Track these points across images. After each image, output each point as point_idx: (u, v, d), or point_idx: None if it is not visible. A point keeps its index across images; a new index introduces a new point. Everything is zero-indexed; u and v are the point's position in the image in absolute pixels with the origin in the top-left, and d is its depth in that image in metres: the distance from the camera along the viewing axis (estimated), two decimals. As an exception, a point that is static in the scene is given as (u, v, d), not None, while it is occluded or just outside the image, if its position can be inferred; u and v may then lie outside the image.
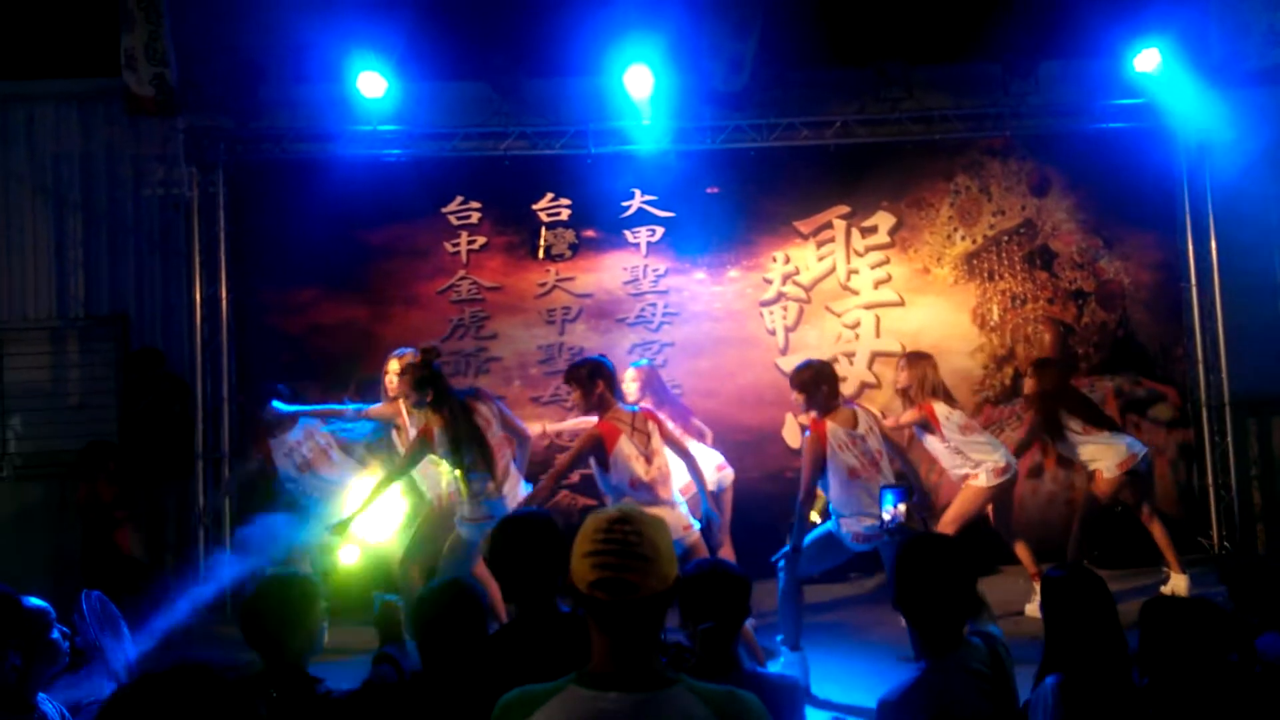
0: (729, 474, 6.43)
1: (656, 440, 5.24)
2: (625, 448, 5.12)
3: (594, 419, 5.34)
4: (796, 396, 5.42)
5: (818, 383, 5.32)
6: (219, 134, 7.61)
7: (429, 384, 5.35)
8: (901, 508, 4.13)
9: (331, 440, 6.56)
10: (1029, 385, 6.83)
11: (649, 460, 5.15)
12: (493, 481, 5.33)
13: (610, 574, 1.76)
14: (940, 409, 6.25)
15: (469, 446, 5.32)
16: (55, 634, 2.85)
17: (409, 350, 6.30)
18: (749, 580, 2.96)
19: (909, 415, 6.33)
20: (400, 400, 6.14)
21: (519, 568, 2.77)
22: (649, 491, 5.11)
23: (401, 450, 6.09)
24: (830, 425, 5.27)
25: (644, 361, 6.82)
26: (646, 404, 6.03)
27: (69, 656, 3.00)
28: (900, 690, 2.46)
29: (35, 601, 2.86)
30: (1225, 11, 7.45)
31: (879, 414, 5.51)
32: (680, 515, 5.23)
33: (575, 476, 7.69)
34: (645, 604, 1.77)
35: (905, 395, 6.42)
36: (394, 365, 6.27)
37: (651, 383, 6.40)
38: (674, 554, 1.85)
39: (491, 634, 2.77)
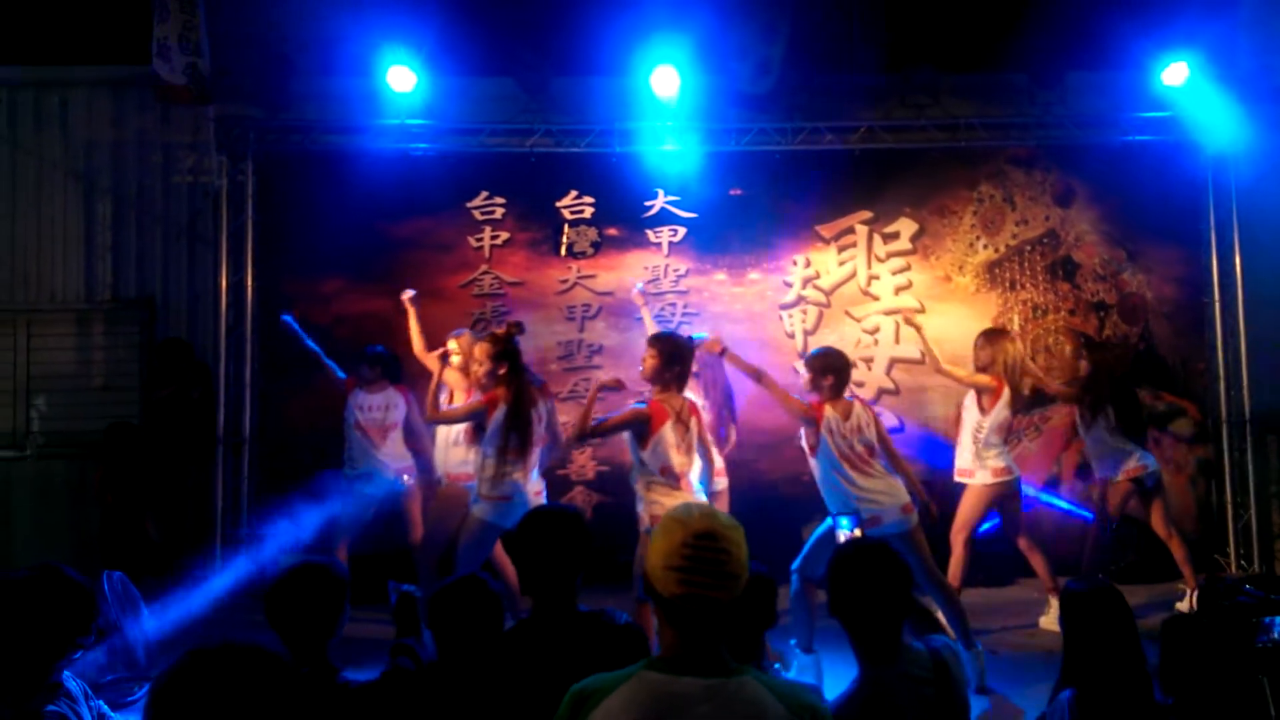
0: (723, 482, 6.39)
1: (694, 434, 5.26)
2: (668, 434, 5.15)
3: (643, 393, 5.35)
4: (806, 379, 5.46)
5: (825, 371, 5.38)
6: (249, 124, 7.70)
7: (506, 359, 5.41)
8: (857, 532, 4.10)
9: (394, 423, 6.68)
10: (1084, 366, 6.76)
11: (685, 452, 5.19)
12: (521, 470, 5.39)
13: (698, 591, 1.82)
14: (1006, 395, 6.22)
15: (516, 431, 5.39)
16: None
17: (465, 331, 6.45)
18: (774, 582, 2.98)
19: (982, 378, 6.27)
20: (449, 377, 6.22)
21: (542, 563, 2.74)
22: (676, 482, 5.15)
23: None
24: (827, 410, 5.32)
25: (702, 335, 6.50)
26: (696, 388, 6.04)
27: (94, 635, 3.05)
28: (839, 700, 2.43)
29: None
30: (1254, 26, 7.42)
31: (876, 416, 5.52)
32: None
33: (591, 473, 7.76)
34: (725, 609, 1.85)
35: (983, 374, 6.36)
36: (452, 345, 6.34)
37: (709, 361, 6.28)
38: (747, 562, 1.90)
39: (509, 630, 2.78)
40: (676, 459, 5.12)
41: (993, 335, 6.46)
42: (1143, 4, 7.28)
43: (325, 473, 6.67)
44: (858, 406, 5.44)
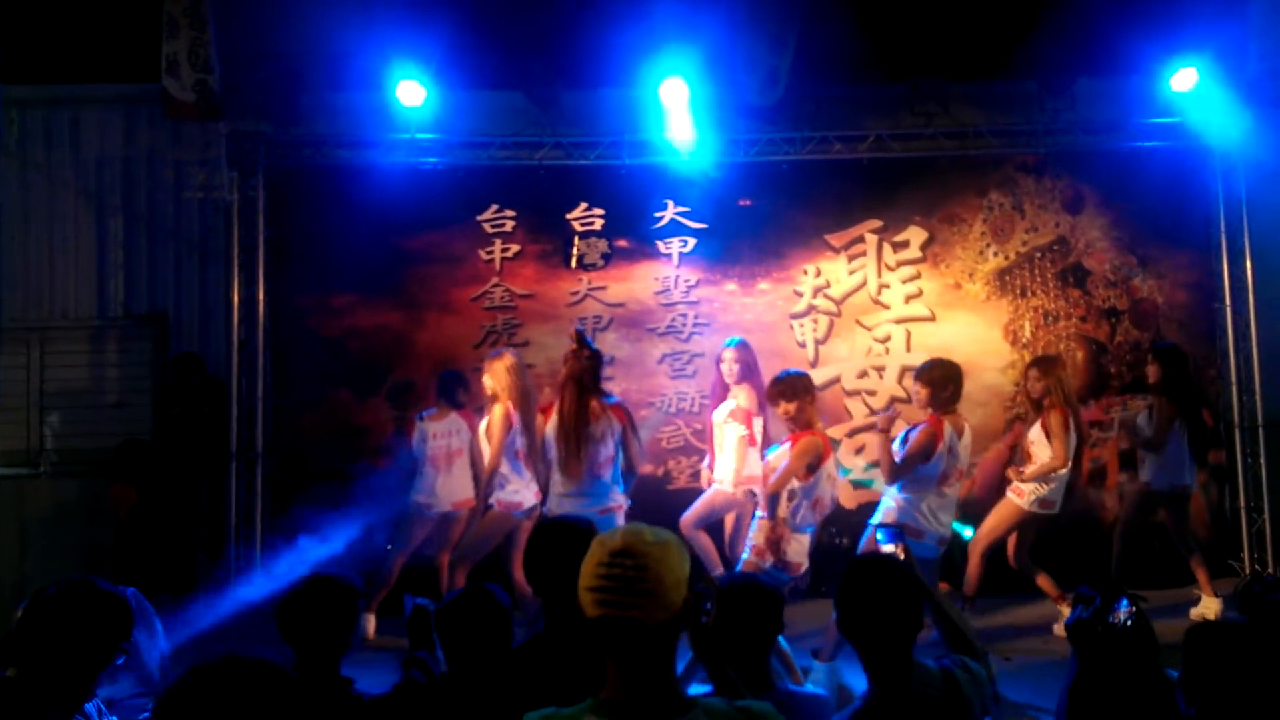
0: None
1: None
2: (829, 466, 5.23)
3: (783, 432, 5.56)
4: (921, 391, 5.50)
5: (945, 383, 5.45)
6: (260, 139, 7.73)
7: (565, 364, 5.45)
8: (891, 548, 4.09)
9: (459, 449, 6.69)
10: (1153, 373, 6.73)
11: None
12: (561, 477, 5.41)
13: (612, 610, 1.74)
14: (1068, 421, 6.18)
15: (565, 443, 5.44)
16: None
17: (507, 351, 6.50)
18: (781, 595, 2.97)
19: (1051, 417, 6.19)
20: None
21: (551, 575, 2.72)
22: (812, 517, 5.25)
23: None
24: (947, 425, 5.37)
25: (736, 340, 6.58)
26: (747, 388, 6.14)
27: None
28: (844, 718, 2.39)
29: None
30: (1263, 30, 7.40)
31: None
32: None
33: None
34: (650, 635, 1.75)
35: (1035, 405, 6.36)
36: (486, 381, 6.40)
37: (749, 360, 6.40)
38: (682, 579, 1.81)
39: (523, 643, 2.77)
40: (828, 492, 5.31)
41: (1046, 364, 6.45)
42: (1151, 10, 7.26)
43: (404, 501, 6.68)
44: (966, 424, 5.51)
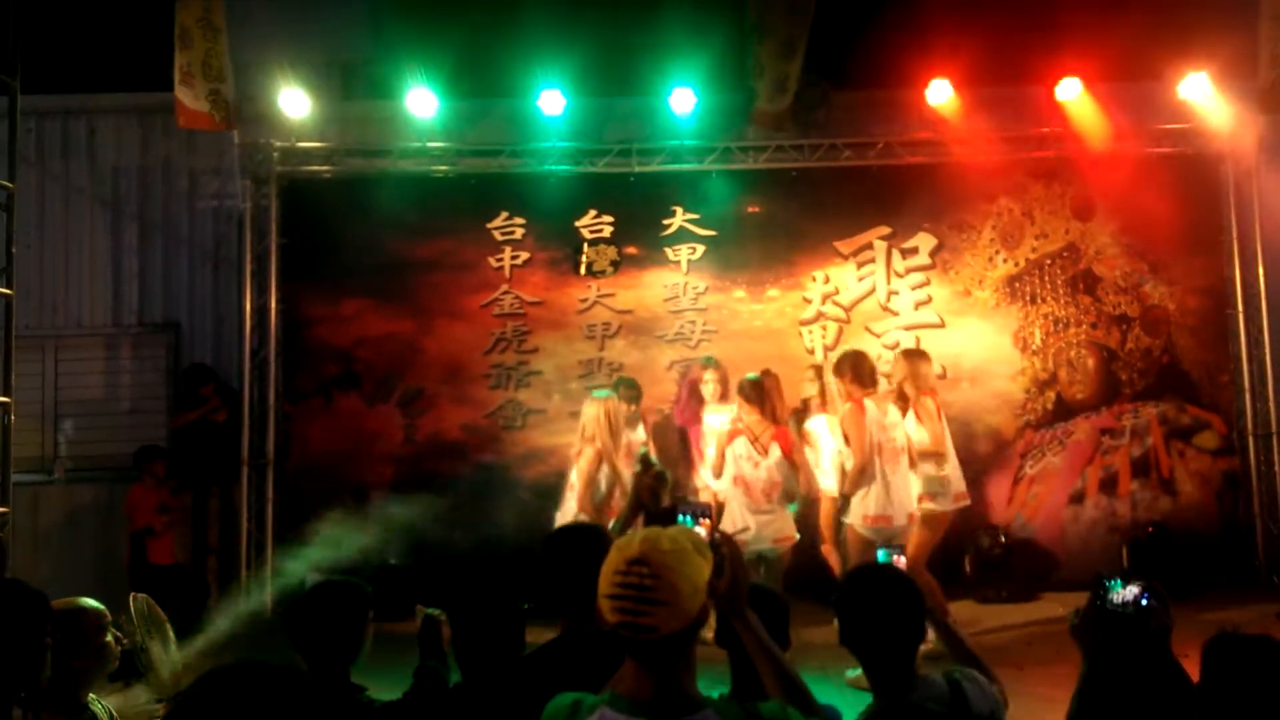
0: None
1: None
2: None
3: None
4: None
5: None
6: (273, 148, 7.78)
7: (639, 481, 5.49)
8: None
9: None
10: None
11: None
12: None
13: (627, 618, 1.77)
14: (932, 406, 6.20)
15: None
16: (109, 636, 2.92)
17: (610, 396, 6.16)
18: (785, 604, 2.97)
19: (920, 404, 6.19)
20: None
21: (565, 582, 2.71)
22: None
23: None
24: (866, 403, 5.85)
25: (712, 360, 7.04)
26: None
27: (120, 659, 3.06)
28: None
29: (91, 603, 2.92)
30: (1273, 37, 7.38)
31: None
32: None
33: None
34: (666, 641, 1.78)
35: (900, 395, 6.26)
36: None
37: (727, 379, 6.74)
38: (700, 589, 1.81)
39: (537, 649, 2.77)
40: None
41: (910, 355, 6.49)
42: (1161, 16, 7.25)
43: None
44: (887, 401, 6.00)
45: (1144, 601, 2.68)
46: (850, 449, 5.83)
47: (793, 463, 5.99)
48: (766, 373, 6.46)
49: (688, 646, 1.82)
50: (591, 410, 5.97)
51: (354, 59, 8.07)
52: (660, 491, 5.53)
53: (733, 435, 6.05)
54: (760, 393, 6.09)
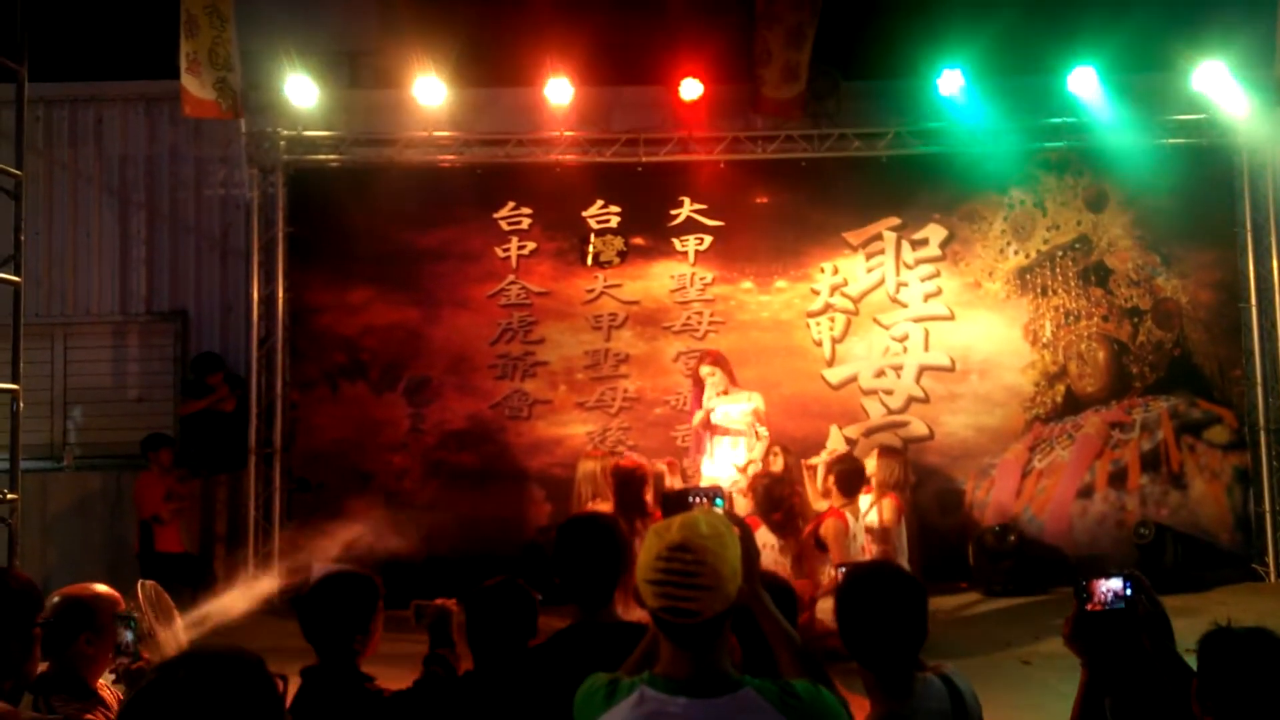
0: None
1: None
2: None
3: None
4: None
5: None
6: (279, 137, 7.77)
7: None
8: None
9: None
10: None
11: None
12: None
13: (670, 603, 1.80)
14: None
15: None
16: (120, 622, 2.92)
17: (610, 458, 6.12)
18: (793, 590, 2.95)
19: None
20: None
21: (577, 571, 2.72)
22: None
23: None
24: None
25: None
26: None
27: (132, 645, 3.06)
28: None
29: (104, 589, 2.92)
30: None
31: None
32: None
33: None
34: (708, 624, 1.82)
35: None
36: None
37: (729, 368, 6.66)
38: (738, 570, 1.86)
39: (548, 639, 2.77)
40: None
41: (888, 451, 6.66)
42: (1175, 7, 7.19)
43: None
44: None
45: (1127, 592, 2.66)
46: (829, 556, 5.83)
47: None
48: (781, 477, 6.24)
49: (725, 630, 1.87)
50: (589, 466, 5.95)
51: (361, 48, 8.03)
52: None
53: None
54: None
